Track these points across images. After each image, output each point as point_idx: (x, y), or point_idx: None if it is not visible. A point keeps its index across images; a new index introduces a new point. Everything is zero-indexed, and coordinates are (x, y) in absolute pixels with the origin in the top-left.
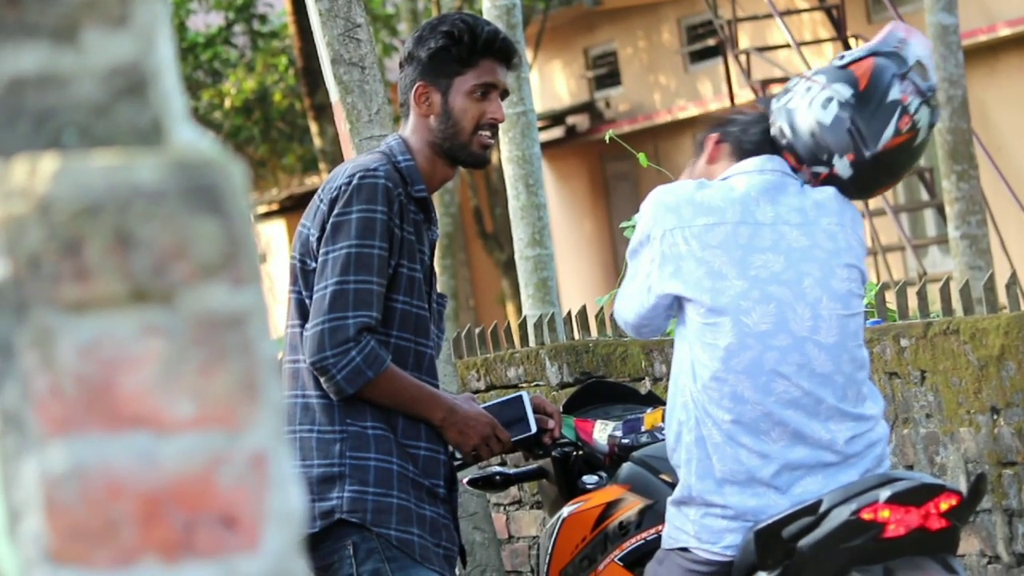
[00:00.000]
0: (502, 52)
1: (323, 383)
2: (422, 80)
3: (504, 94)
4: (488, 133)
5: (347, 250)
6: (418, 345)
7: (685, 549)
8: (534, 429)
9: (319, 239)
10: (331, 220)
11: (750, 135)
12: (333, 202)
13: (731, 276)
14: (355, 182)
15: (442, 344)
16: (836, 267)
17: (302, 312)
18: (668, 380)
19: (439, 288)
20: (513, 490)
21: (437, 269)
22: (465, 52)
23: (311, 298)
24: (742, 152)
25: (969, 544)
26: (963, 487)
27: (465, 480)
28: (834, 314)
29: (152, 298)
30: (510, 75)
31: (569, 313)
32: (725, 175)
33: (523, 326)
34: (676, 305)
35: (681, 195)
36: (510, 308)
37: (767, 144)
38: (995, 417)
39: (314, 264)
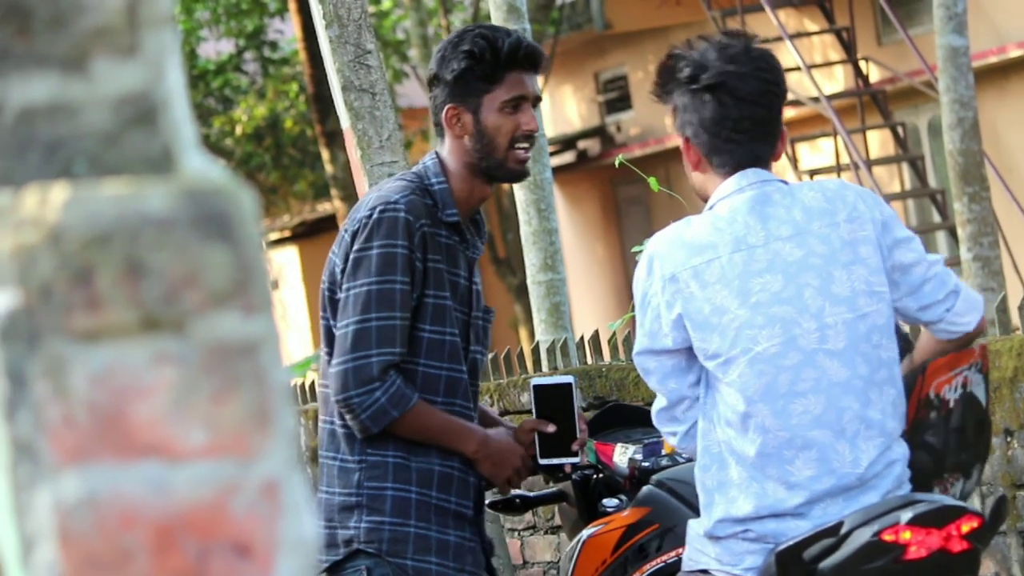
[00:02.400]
0: (527, 61)
1: (348, 421)
2: (451, 103)
3: (536, 102)
4: (524, 146)
5: (368, 287)
6: (450, 372)
7: (705, 571)
8: (577, 459)
9: (343, 270)
10: (352, 255)
11: (700, 132)
12: (355, 235)
13: (733, 308)
14: (375, 216)
15: (485, 360)
16: (834, 271)
17: (330, 339)
18: None
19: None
20: (527, 515)
21: None
22: (489, 69)
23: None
24: (708, 153)
25: (984, 566)
26: (979, 509)
27: (485, 503)
28: (839, 320)
29: (163, 327)
30: (539, 78)
31: (582, 338)
32: (709, 204)
33: (536, 351)
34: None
35: (672, 240)
36: (523, 333)
37: (715, 134)
38: (1009, 439)
39: (340, 294)
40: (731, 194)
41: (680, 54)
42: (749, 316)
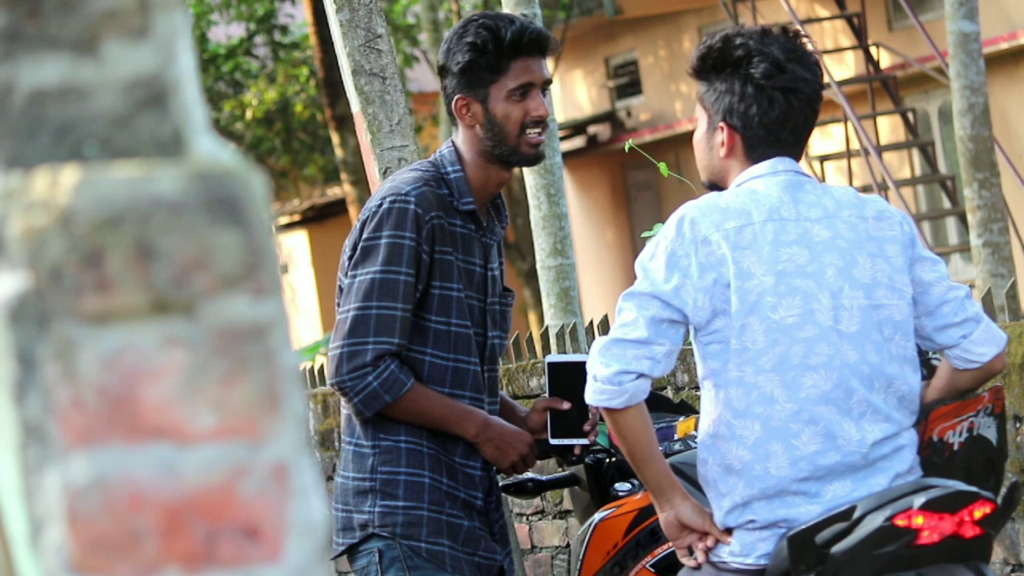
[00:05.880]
0: (532, 47)
1: (343, 404)
2: (460, 93)
3: (546, 85)
4: (536, 130)
5: (372, 275)
6: (457, 363)
7: (718, 562)
8: (587, 440)
9: (351, 258)
10: (361, 243)
11: (755, 125)
12: (364, 224)
13: (759, 274)
14: (385, 206)
15: (504, 344)
16: (858, 256)
17: None
18: (690, 389)
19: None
20: (536, 500)
21: None
22: (493, 59)
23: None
24: (752, 145)
25: (992, 552)
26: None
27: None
28: (855, 303)
29: (173, 309)
30: (548, 61)
31: (591, 323)
32: (738, 182)
33: (545, 336)
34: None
35: (706, 206)
36: (532, 318)
37: (772, 132)
38: (1018, 425)
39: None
40: (764, 175)
41: (741, 42)
42: (773, 283)
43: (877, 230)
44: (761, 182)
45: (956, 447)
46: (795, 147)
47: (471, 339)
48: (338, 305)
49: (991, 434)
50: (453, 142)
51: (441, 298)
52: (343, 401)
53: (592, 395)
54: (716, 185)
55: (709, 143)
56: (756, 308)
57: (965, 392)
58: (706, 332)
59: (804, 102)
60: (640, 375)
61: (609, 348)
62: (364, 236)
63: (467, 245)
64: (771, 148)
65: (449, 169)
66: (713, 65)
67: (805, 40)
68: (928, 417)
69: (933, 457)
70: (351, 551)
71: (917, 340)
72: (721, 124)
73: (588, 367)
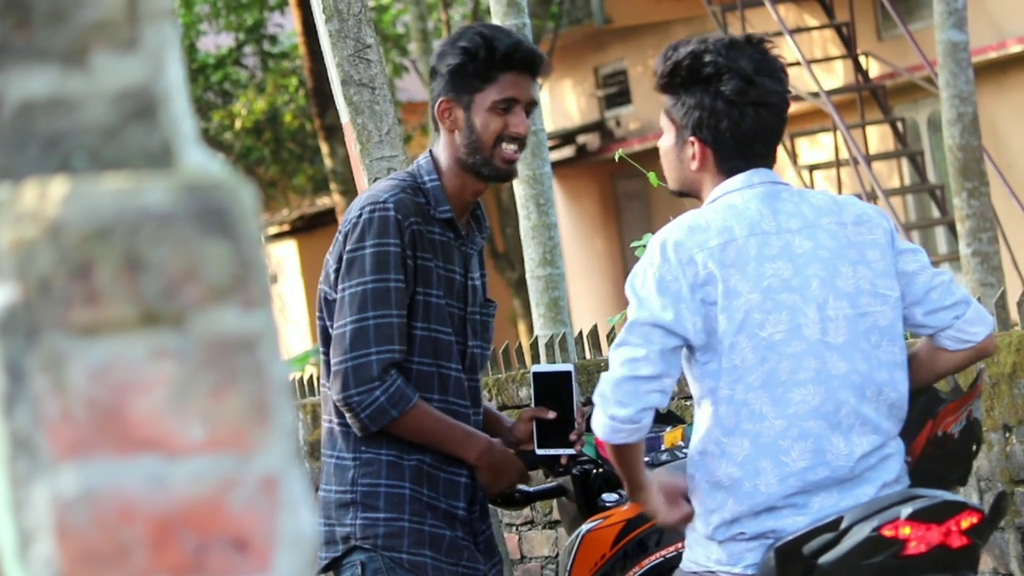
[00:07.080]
0: (523, 64)
1: (348, 420)
2: (445, 96)
3: (530, 106)
4: (512, 147)
5: (363, 286)
6: (440, 368)
7: (705, 572)
8: (573, 451)
9: (336, 271)
10: (345, 255)
11: (726, 139)
12: (346, 236)
13: (745, 292)
14: (365, 216)
15: (486, 354)
16: (840, 266)
17: (326, 339)
18: (679, 399)
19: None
20: (526, 510)
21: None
22: (483, 68)
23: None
24: (724, 158)
25: (982, 562)
26: (979, 504)
27: (487, 501)
28: (840, 314)
29: (162, 321)
30: (537, 83)
31: (581, 333)
32: (713, 196)
33: (534, 346)
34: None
35: (686, 226)
36: (521, 328)
37: (744, 144)
38: (1007, 435)
39: (334, 295)
40: (740, 188)
41: (710, 60)
42: (760, 300)
43: (857, 235)
44: (738, 195)
45: (956, 436)
46: (767, 157)
47: (452, 345)
48: (319, 317)
49: (979, 413)
50: (431, 151)
51: (425, 304)
52: (348, 417)
53: (608, 434)
54: (686, 194)
55: (679, 156)
56: (744, 326)
57: (943, 375)
58: (704, 352)
59: (774, 114)
60: (652, 408)
61: (622, 386)
62: (347, 248)
63: (446, 253)
64: (743, 160)
65: (426, 178)
66: (681, 82)
67: (771, 47)
68: (936, 416)
69: (937, 451)
70: (334, 565)
71: (908, 328)
72: (691, 138)
73: (600, 406)
